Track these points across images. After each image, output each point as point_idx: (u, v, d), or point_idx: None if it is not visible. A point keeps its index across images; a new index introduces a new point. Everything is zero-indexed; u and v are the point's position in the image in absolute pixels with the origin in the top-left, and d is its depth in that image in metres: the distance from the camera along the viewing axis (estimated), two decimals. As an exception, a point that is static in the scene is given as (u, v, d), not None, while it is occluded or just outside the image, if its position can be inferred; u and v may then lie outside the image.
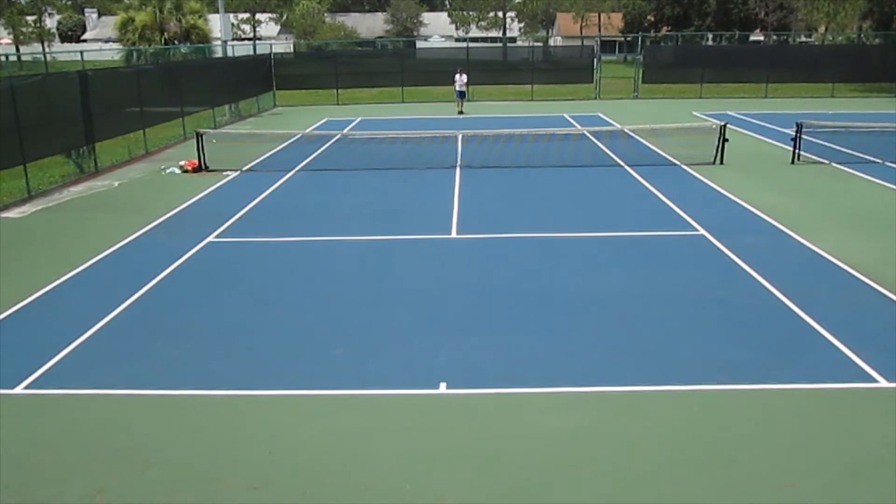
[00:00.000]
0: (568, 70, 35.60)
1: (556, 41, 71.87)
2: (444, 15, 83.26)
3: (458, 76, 28.07)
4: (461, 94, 28.12)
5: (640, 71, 34.34)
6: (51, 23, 72.81)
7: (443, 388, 6.63)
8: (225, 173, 16.80)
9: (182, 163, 17.46)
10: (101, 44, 56.10)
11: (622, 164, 17.12)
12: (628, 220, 12.24)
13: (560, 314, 8.30)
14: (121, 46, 30.80)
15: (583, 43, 50.84)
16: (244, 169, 17.36)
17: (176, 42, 29.79)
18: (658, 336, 7.66)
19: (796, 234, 11.20)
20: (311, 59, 42.99)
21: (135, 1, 31.25)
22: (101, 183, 16.21)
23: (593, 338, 7.66)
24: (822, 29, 52.67)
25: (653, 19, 63.31)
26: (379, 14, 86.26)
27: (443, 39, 68.31)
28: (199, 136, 17.63)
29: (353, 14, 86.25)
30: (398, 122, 25.95)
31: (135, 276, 9.65)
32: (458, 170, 16.64)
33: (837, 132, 19.93)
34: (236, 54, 31.54)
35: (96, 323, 8.14)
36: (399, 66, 34.75)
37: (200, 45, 29.84)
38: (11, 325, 8.24)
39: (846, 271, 9.54)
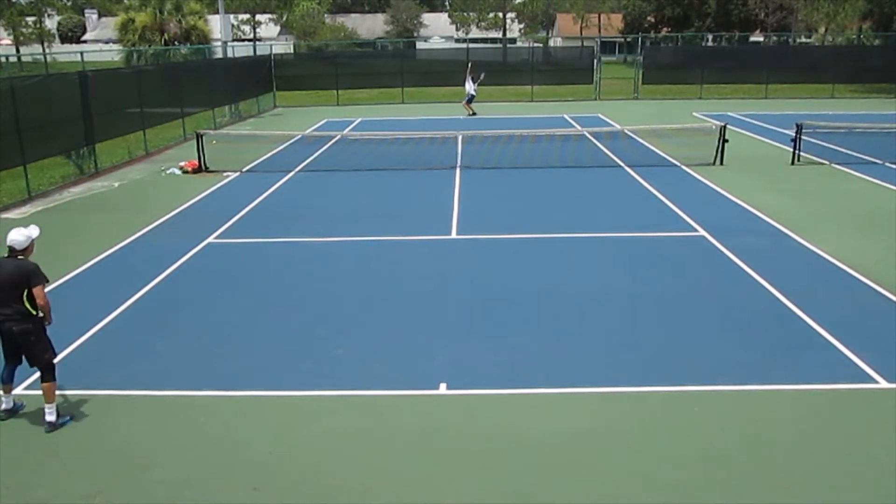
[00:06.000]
0: (568, 71, 35.62)
1: (556, 42, 71.86)
2: (444, 16, 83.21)
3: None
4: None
5: (641, 72, 34.35)
6: (51, 24, 72.78)
7: (443, 389, 6.63)
8: (225, 174, 16.81)
9: (182, 164, 17.47)
10: (101, 45, 56.09)
11: (622, 164, 17.13)
12: (628, 221, 12.24)
13: (560, 315, 8.30)
14: (121, 47, 30.81)
15: (583, 44, 50.92)
16: (244, 170, 17.37)
17: (176, 43, 29.80)
18: (657, 337, 7.66)
19: (796, 235, 11.20)
20: (311, 59, 43.01)
21: (135, 2, 31.28)
22: (101, 184, 16.22)
23: (593, 338, 7.66)
24: (821, 30, 52.71)
25: (653, 20, 63.34)
26: (379, 15, 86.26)
27: (443, 40, 68.33)
28: (199, 136, 17.64)
29: (353, 15, 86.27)
30: (398, 122, 25.95)
31: (135, 277, 9.65)
32: (458, 171, 16.64)
33: (837, 133, 19.93)
34: (236, 55, 31.55)
35: (97, 323, 8.15)
36: (399, 67, 34.77)
37: (200, 45, 29.85)
38: (11, 326, 8.22)
39: (846, 272, 9.54)
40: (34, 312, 5.93)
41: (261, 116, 29.54)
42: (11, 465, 5.55)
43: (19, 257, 5.97)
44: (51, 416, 6.03)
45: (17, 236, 5.94)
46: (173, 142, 21.63)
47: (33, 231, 6.10)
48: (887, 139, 18.82)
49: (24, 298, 5.88)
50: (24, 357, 6.10)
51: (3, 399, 6.22)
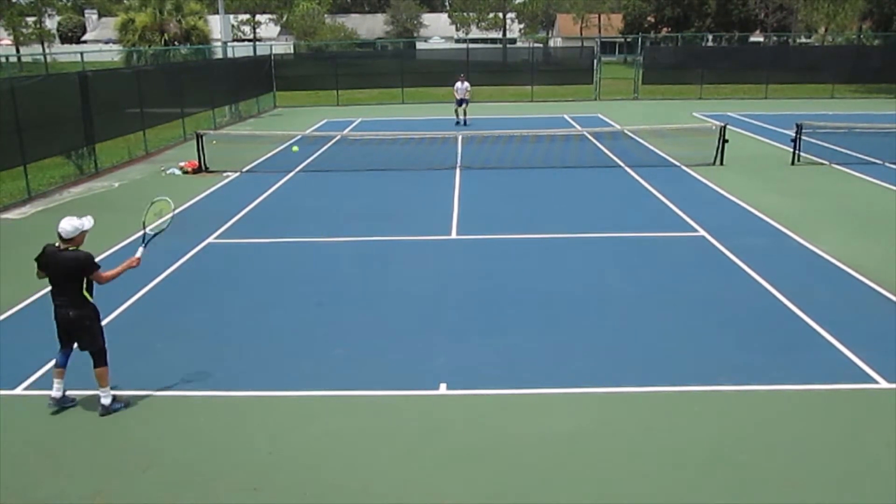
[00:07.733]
0: (568, 71, 35.67)
1: (556, 42, 71.87)
2: (444, 16, 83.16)
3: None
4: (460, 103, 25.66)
5: (640, 72, 34.38)
6: (51, 24, 72.75)
7: (443, 389, 6.63)
8: (225, 174, 16.80)
9: (182, 164, 17.47)
10: (101, 45, 56.10)
11: (622, 165, 17.13)
12: (628, 222, 12.24)
13: (560, 315, 8.29)
14: (121, 47, 30.81)
15: (583, 44, 50.93)
16: (244, 170, 17.37)
17: (176, 43, 29.78)
18: (658, 337, 7.66)
19: (796, 235, 11.20)
20: (311, 60, 43.01)
21: (135, 2, 31.25)
22: (101, 184, 16.22)
23: (593, 339, 7.66)
24: (821, 30, 52.69)
25: (653, 20, 63.31)
26: (379, 15, 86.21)
27: (443, 41, 68.30)
28: (199, 137, 17.64)
29: (353, 15, 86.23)
30: (398, 123, 25.94)
31: (135, 277, 9.58)
32: (458, 171, 16.64)
33: (837, 133, 19.94)
34: (236, 55, 31.56)
35: (96, 324, 8.12)
36: (399, 68, 34.80)
37: (200, 46, 29.85)
38: (12, 326, 8.24)
39: (846, 272, 9.54)
40: (91, 300, 6.10)
41: (261, 117, 29.55)
42: (12, 466, 5.55)
43: (70, 248, 6.01)
44: (105, 400, 6.21)
45: (66, 226, 6.02)
46: (173, 142, 21.63)
47: (87, 223, 6.15)
48: (887, 139, 18.82)
49: (83, 287, 6.04)
50: (76, 343, 6.24)
51: (54, 383, 6.26)
